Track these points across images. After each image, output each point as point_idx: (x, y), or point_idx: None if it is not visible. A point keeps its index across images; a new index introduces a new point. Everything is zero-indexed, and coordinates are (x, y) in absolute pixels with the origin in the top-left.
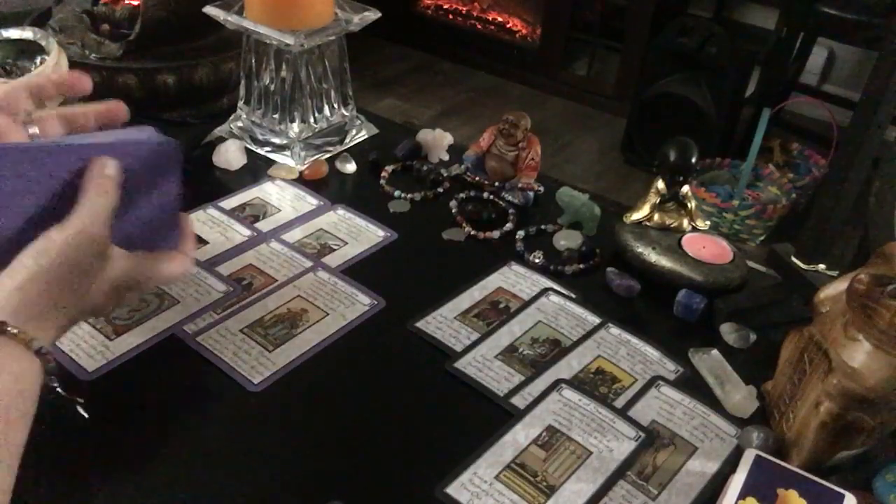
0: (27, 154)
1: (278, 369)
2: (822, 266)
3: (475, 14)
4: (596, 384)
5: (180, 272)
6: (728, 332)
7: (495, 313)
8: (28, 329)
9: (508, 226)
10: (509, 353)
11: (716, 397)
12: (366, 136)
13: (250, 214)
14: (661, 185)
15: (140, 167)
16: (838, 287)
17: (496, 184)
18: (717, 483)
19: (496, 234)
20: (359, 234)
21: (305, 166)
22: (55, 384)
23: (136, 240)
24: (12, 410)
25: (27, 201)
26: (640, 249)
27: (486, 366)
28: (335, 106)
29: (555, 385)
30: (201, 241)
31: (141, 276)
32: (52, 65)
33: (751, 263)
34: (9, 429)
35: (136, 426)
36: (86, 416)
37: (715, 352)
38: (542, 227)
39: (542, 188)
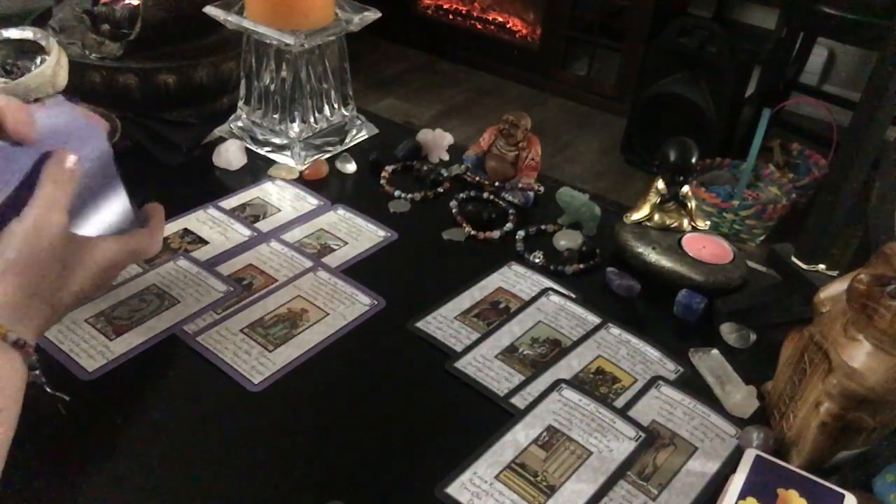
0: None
1: (278, 369)
2: (822, 266)
3: (475, 14)
4: (596, 384)
5: (153, 247)
6: (728, 332)
7: (495, 313)
8: (3, 322)
9: (508, 226)
10: (509, 353)
11: (716, 397)
12: (366, 136)
13: (250, 214)
14: (661, 185)
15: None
16: (838, 287)
17: (496, 184)
18: (718, 483)
19: (496, 234)
20: (359, 234)
21: (305, 166)
22: (42, 381)
23: (88, 224)
24: None
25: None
26: (640, 249)
27: (486, 366)
28: (335, 106)
29: (555, 385)
30: (201, 241)
31: (119, 255)
32: (53, 65)
33: (751, 263)
34: None
35: (136, 426)
36: (63, 412)
37: (715, 352)
38: (542, 227)
39: (542, 188)
